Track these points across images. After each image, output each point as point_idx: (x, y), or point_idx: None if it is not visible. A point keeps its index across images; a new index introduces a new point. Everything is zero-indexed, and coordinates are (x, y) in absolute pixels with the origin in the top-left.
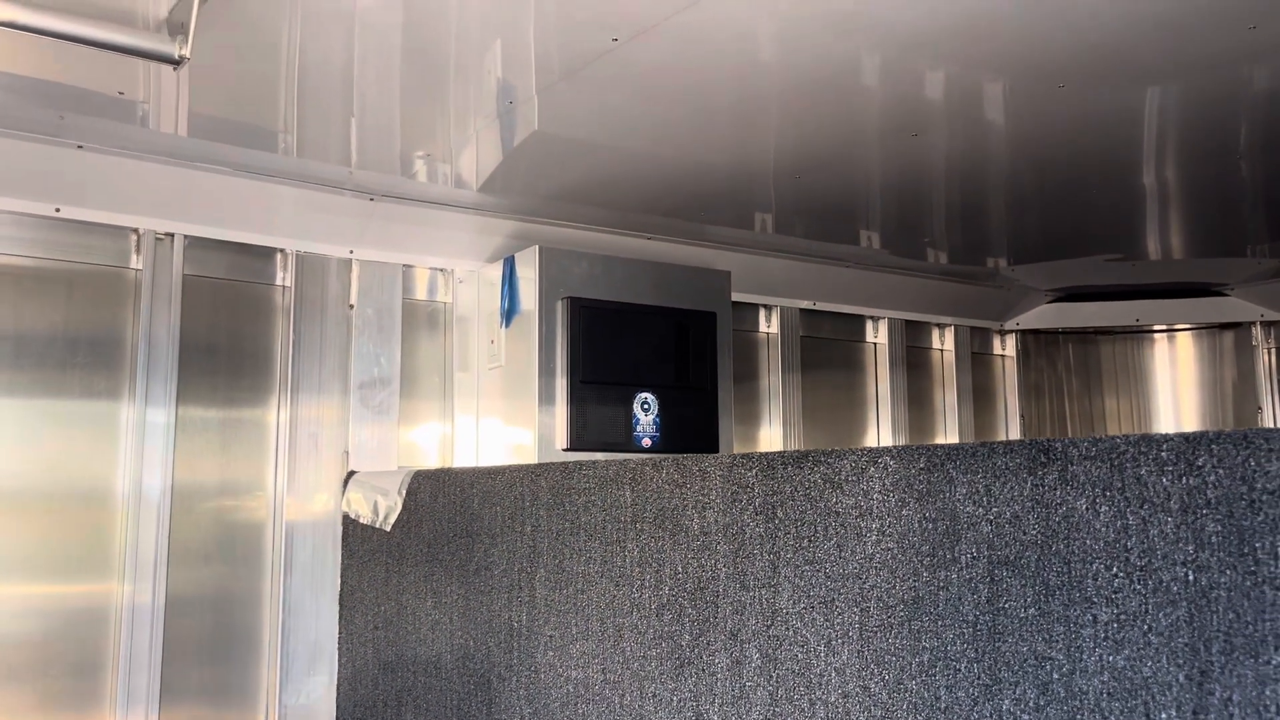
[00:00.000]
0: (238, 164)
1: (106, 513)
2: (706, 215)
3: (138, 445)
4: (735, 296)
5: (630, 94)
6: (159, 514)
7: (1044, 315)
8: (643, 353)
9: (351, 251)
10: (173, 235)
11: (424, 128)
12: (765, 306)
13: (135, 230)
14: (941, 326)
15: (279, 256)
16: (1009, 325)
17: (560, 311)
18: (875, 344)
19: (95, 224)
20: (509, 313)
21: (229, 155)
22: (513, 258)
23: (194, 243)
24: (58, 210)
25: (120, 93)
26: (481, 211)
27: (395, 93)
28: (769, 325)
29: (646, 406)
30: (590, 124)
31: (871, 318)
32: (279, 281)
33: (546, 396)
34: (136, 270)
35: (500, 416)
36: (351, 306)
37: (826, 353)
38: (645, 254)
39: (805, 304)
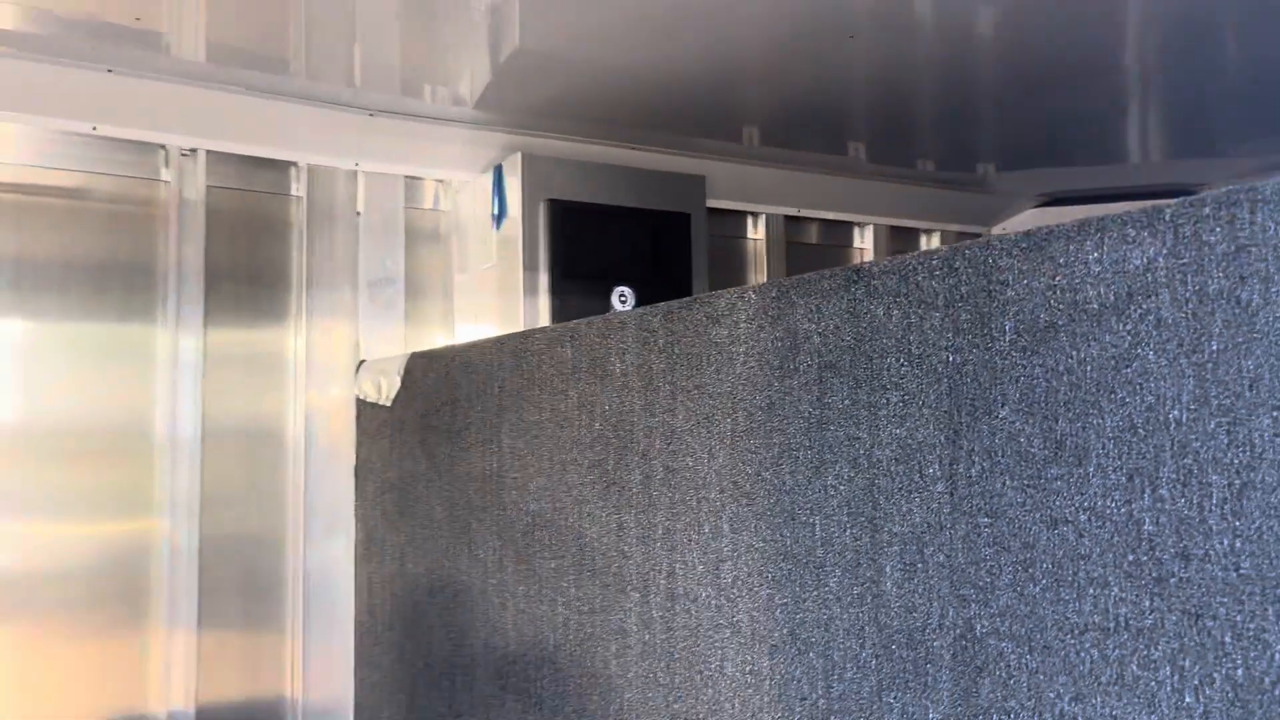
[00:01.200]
0: (253, 85)
1: (143, 384)
2: (690, 126)
3: (171, 337)
4: (721, 203)
5: (605, 6)
6: (193, 403)
7: (1030, 220)
8: (620, 250)
9: (357, 164)
10: (196, 150)
11: (421, 48)
12: (752, 214)
13: (163, 146)
14: (929, 232)
15: (292, 170)
16: (996, 230)
17: (542, 213)
18: (862, 250)
19: (128, 141)
20: (499, 217)
21: (245, 78)
22: (501, 165)
23: (216, 157)
24: (94, 129)
25: (137, 19)
26: (475, 126)
27: (393, 14)
28: (756, 232)
29: (624, 299)
30: (569, 38)
31: (859, 224)
32: (293, 192)
33: (530, 290)
34: (165, 182)
35: (493, 312)
36: (359, 214)
37: (814, 259)
38: (628, 162)
39: (790, 211)
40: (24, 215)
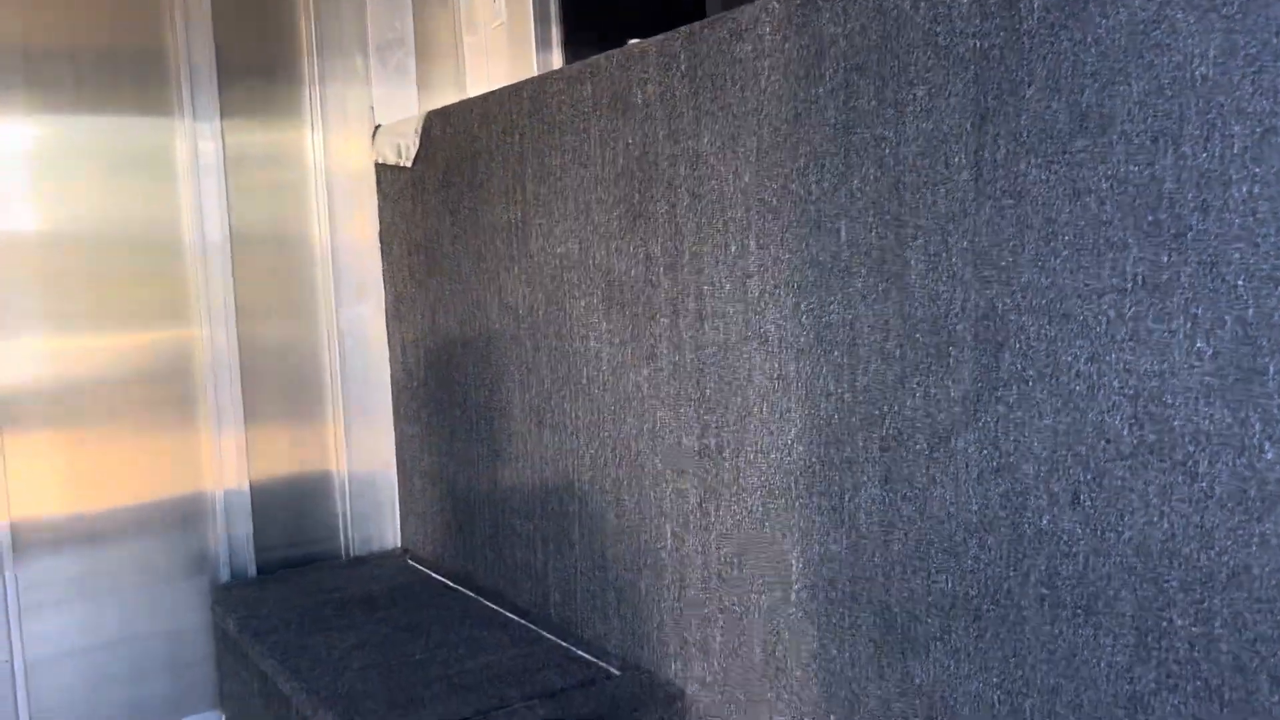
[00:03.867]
0: None
1: (167, 171)
2: None
3: (187, 114)
4: None
5: None
6: (218, 182)
7: None
8: (634, 5)
9: None
10: None
11: None
12: None
13: None
14: None
15: None
16: None
17: None
18: None
19: None
20: None
21: None
22: None
23: None
24: None
25: None
26: None
27: None
28: None
29: None
30: None
31: None
32: None
33: (543, 44)
34: None
35: (505, 71)
36: None
37: None
38: None
39: None
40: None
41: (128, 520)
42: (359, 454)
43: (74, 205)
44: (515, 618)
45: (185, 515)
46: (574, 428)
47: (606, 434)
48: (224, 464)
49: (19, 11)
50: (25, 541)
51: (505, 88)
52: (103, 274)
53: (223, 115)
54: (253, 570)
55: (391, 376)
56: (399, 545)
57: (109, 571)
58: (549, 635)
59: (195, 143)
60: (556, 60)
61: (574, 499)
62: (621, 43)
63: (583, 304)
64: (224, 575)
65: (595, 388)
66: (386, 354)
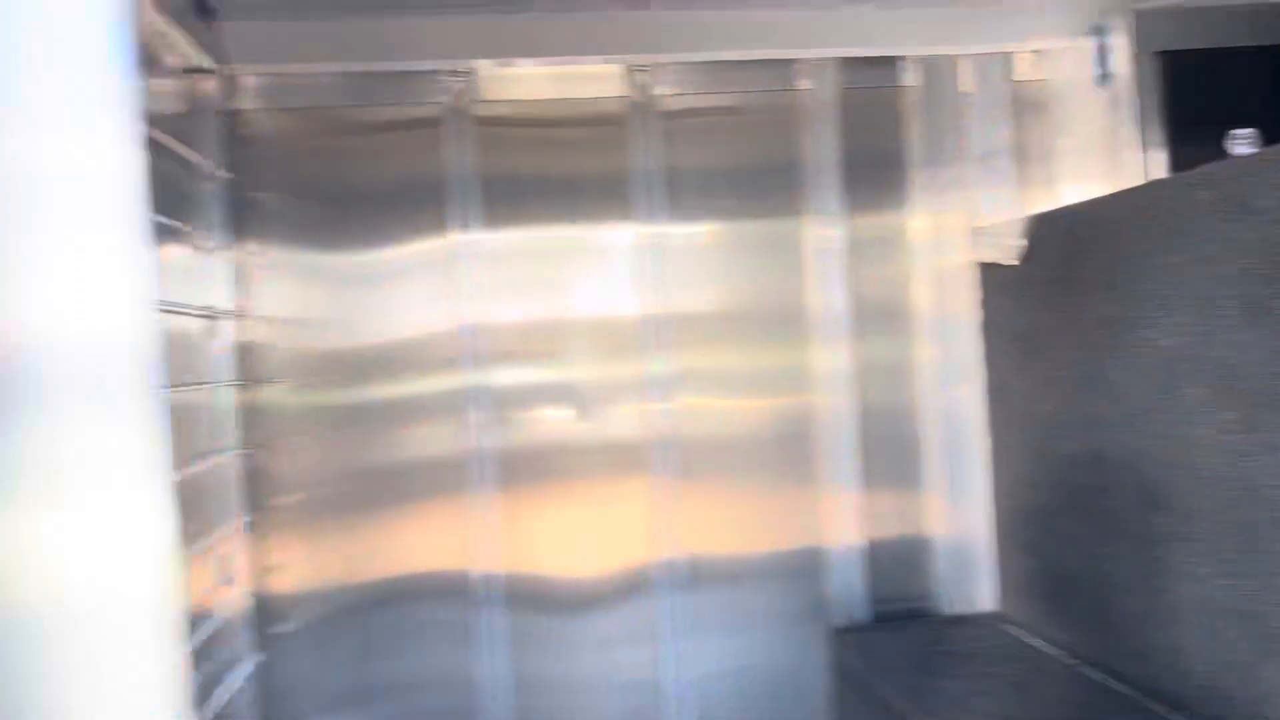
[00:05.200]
0: None
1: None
2: None
3: (816, 227)
4: None
5: None
6: (841, 285)
7: None
8: (1240, 98)
9: (959, 48)
10: (826, 60)
11: None
12: None
13: (794, 60)
14: None
15: (900, 63)
16: None
17: (1151, 67)
18: None
19: (765, 60)
20: (1103, 76)
21: None
22: (1102, 25)
23: (839, 63)
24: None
25: None
26: None
27: None
28: None
29: (1243, 141)
30: None
31: None
32: (906, 82)
33: (1141, 146)
34: (804, 90)
35: (1098, 172)
36: (964, 94)
37: None
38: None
39: None
40: (703, 134)
41: (761, 564)
42: (956, 522)
43: (732, 289)
44: (1119, 686)
45: (806, 565)
46: (1185, 511)
47: (1225, 519)
48: (841, 521)
49: (699, 147)
50: (693, 573)
51: (1110, 195)
52: (752, 344)
53: (845, 212)
54: (864, 617)
55: (989, 453)
56: (993, 608)
57: (745, 606)
58: (1152, 704)
59: (821, 232)
60: (1154, 159)
61: (1183, 580)
62: (1221, 139)
63: (1193, 393)
64: (838, 620)
65: (1208, 474)
66: (983, 432)
